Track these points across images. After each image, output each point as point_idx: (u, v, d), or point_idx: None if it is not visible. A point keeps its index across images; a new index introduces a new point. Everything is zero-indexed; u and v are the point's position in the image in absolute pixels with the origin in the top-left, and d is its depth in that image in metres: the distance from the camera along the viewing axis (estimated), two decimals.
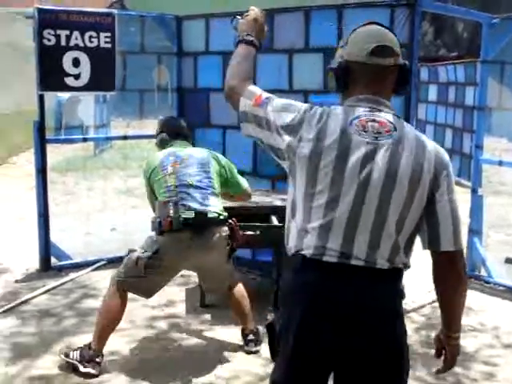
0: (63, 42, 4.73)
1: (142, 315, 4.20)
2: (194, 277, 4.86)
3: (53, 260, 5.12)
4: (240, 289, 3.75)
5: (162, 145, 3.88)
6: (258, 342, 3.70)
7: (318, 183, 1.81)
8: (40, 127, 4.88)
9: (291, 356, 1.83)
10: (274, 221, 4.12)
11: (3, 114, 10.44)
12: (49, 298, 4.48)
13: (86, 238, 5.83)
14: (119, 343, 3.75)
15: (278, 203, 4.31)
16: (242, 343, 3.76)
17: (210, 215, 3.43)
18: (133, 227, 6.10)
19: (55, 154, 5.10)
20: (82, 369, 3.34)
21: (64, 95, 10.72)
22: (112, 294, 3.49)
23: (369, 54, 1.84)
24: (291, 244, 1.87)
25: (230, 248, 3.56)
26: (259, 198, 4.44)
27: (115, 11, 4.99)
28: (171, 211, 3.39)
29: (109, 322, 3.45)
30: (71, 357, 3.40)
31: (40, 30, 4.66)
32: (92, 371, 3.34)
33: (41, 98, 4.86)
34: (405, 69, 1.91)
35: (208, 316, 4.20)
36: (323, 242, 1.78)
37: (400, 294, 1.86)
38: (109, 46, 4.91)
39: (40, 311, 4.23)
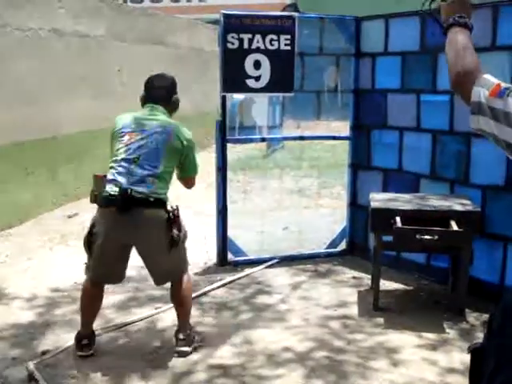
0: (246, 45, 4.95)
1: (314, 314, 4.29)
2: (366, 279, 4.90)
3: (229, 255, 5.38)
4: (184, 287, 3.65)
5: (142, 105, 3.72)
6: (187, 342, 3.64)
7: None
8: (222, 127, 5.15)
9: None
10: (454, 226, 4.02)
11: (184, 116, 11.08)
12: (226, 292, 4.73)
13: (259, 236, 6.05)
14: (293, 341, 3.88)
15: (458, 208, 4.20)
16: (417, 349, 3.72)
17: (136, 195, 3.34)
18: (305, 227, 6.27)
19: (230, 152, 5.32)
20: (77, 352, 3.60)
21: (239, 96, 11.21)
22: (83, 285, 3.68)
23: None
24: None
25: (170, 236, 3.44)
26: (437, 202, 4.36)
27: (296, 14, 5.13)
28: (102, 186, 3.40)
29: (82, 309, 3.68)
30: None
31: (225, 34, 4.91)
32: (80, 353, 3.59)
33: (223, 99, 5.14)
34: None
35: (381, 320, 4.20)
36: None
37: None
38: (288, 48, 5.06)
39: (217, 303, 4.48)
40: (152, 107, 3.61)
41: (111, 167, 3.47)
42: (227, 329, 4.05)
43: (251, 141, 6.55)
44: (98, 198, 3.42)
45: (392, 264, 5.00)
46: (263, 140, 8.42)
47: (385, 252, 4.54)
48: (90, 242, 3.52)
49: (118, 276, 3.69)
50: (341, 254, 5.62)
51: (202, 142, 11.84)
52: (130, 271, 3.79)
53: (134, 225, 3.39)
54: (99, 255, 3.51)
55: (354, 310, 4.38)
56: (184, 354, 3.61)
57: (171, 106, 3.70)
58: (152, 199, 3.39)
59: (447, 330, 4.00)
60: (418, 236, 3.98)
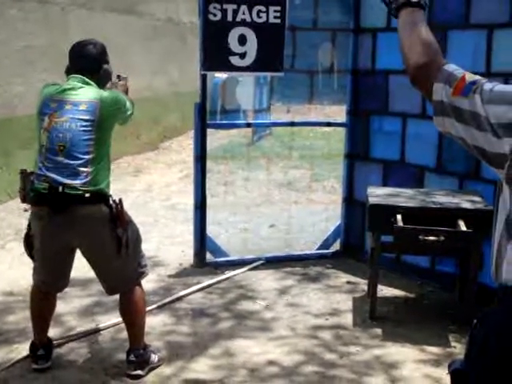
0: (229, 17, 4.92)
1: (303, 323, 4.29)
2: (362, 284, 4.91)
3: (208, 256, 5.37)
4: (136, 299, 3.55)
5: (67, 77, 3.55)
6: (139, 364, 3.54)
7: None
8: (201, 110, 5.12)
9: None
10: (462, 226, 4.03)
11: (157, 96, 11.05)
12: (203, 297, 4.72)
13: (242, 234, 6.05)
14: (278, 353, 3.87)
15: (467, 206, 4.22)
16: (418, 365, 3.73)
17: (69, 191, 3.23)
18: (294, 225, 6.28)
19: (210, 139, 5.30)
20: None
21: (221, 76, 11.20)
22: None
23: None
24: (507, 274, 1.62)
25: (115, 236, 3.34)
26: (444, 199, 4.37)
27: None
28: (31, 182, 3.30)
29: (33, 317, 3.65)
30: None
31: (206, 3, 4.87)
32: (35, 366, 3.56)
33: (203, 79, 5.11)
34: None
35: (379, 330, 4.20)
36: None
37: None
38: (278, 21, 5.03)
39: (194, 310, 4.47)
40: (77, 79, 3.42)
41: (38, 160, 3.35)
42: (204, 338, 4.03)
43: (235, 126, 6.57)
44: (26, 196, 3.35)
45: (392, 268, 5.01)
46: (248, 126, 8.40)
47: (384, 254, 4.55)
48: (29, 245, 3.49)
49: (64, 283, 3.65)
50: (334, 256, 5.62)
51: (178, 127, 11.83)
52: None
53: (70, 225, 3.31)
54: (40, 261, 3.49)
55: (347, 319, 4.38)
56: (136, 378, 3.52)
57: (101, 77, 3.50)
58: (88, 194, 3.27)
59: (453, 344, 4.01)
60: (421, 237, 3.98)
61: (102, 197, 3.34)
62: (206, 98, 5.18)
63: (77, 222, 3.30)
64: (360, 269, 5.16)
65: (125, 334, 3.98)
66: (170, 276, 5.11)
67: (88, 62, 3.46)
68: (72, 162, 3.26)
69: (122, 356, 3.68)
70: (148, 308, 4.33)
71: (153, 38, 10.93)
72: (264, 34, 5.00)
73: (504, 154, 1.59)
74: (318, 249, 5.71)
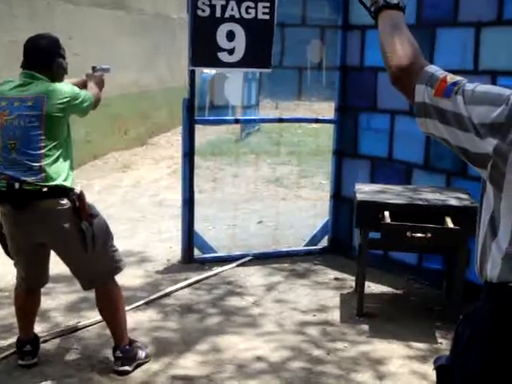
0: (218, 13, 4.90)
1: (291, 319, 4.30)
2: (350, 281, 4.92)
3: (195, 252, 5.36)
4: (109, 293, 3.54)
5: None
6: (125, 360, 3.53)
7: None
8: (190, 106, 5.11)
9: None
10: (449, 223, 4.05)
11: (145, 92, 11.02)
12: (191, 293, 4.71)
13: (230, 230, 6.05)
14: (266, 349, 3.88)
15: (454, 203, 4.23)
16: (405, 361, 3.75)
17: (25, 187, 3.21)
18: (282, 221, 6.28)
19: (198, 136, 5.29)
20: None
21: (209, 72, 11.18)
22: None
23: None
24: (491, 272, 1.65)
25: (80, 229, 3.29)
26: (432, 196, 4.39)
27: None
28: None
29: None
30: None
31: None
32: (22, 362, 3.56)
33: (192, 74, 5.10)
34: None
35: (366, 327, 4.21)
36: None
37: None
38: (267, 17, 5.02)
39: (182, 306, 4.46)
40: (26, 75, 3.37)
41: None
42: (192, 335, 4.03)
43: (223, 122, 6.56)
44: None
45: (379, 264, 5.02)
46: (237, 122, 8.41)
47: (371, 251, 4.56)
48: (3, 243, 3.49)
49: (43, 279, 3.65)
50: (322, 252, 5.63)
51: (166, 123, 11.81)
52: None
53: (32, 222, 3.29)
54: (15, 257, 3.51)
55: (335, 316, 4.38)
56: (123, 374, 3.51)
57: (54, 72, 3.41)
58: (46, 189, 3.23)
59: (439, 340, 4.03)
60: (408, 233, 3.99)
61: (61, 190, 3.29)
62: (194, 93, 5.18)
63: (38, 218, 3.29)
64: (348, 265, 5.17)
65: None
66: (157, 272, 5.10)
67: (39, 56, 3.39)
68: (24, 158, 3.25)
69: (109, 352, 3.68)
70: (135, 304, 4.35)
71: (141, 34, 10.89)
72: (253, 30, 4.99)
73: (487, 154, 1.60)
74: (306, 245, 5.72)
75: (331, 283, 4.97)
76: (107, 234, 3.51)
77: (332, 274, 5.16)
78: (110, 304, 3.56)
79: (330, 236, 5.68)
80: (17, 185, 3.22)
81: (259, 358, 3.76)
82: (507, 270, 1.60)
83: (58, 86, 3.38)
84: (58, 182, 3.28)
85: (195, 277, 4.97)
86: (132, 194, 7.59)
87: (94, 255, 3.37)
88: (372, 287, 4.80)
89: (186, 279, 4.91)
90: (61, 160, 3.33)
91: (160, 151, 10.75)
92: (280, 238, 5.94)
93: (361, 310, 4.36)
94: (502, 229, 1.62)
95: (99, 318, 4.12)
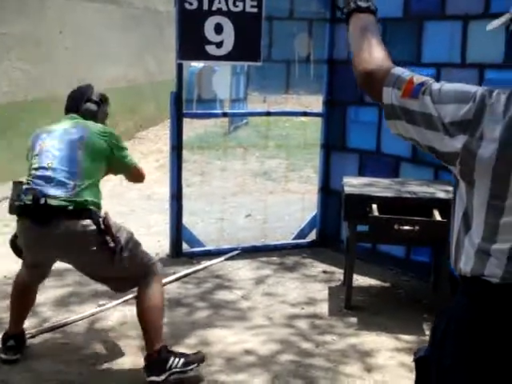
0: (206, 6, 4.88)
1: (280, 312, 4.31)
2: (338, 274, 4.93)
3: (184, 246, 5.35)
4: (149, 296, 3.39)
5: None
6: (157, 371, 3.28)
7: (511, 195, 1.58)
8: (177, 99, 5.10)
9: None
10: (436, 215, 4.06)
11: (134, 85, 10.98)
12: (180, 287, 4.71)
13: (219, 224, 6.04)
14: (255, 342, 3.88)
15: (442, 195, 4.24)
16: (393, 353, 3.76)
17: (52, 203, 3.19)
18: (270, 214, 6.28)
19: (186, 129, 5.28)
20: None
21: (197, 65, 11.15)
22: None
23: None
24: (465, 266, 1.67)
25: (108, 249, 3.23)
26: (419, 189, 4.40)
27: None
28: (16, 194, 3.31)
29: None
30: None
31: None
32: (4, 356, 3.54)
33: (179, 68, 5.08)
34: None
35: (354, 319, 4.23)
36: None
37: None
38: (255, 10, 5.01)
39: (170, 300, 4.44)
40: (65, 117, 3.64)
41: (28, 177, 3.37)
42: (181, 328, 4.03)
43: (211, 116, 6.53)
44: (11, 207, 3.32)
45: (367, 257, 5.03)
46: (225, 115, 8.41)
47: (359, 244, 4.57)
48: (16, 248, 3.49)
49: (46, 277, 3.72)
50: (310, 246, 5.64)
51: (155, 116, 11.77)
52: None
53: (54, 240, 3.25)
54: (29, 264, 3.50)
55: (323, 309, 4.39)
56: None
57: (85, 114, 3.62)
58: (71, 207, 3.21)
59: (427, 332, 4.03)
60: (396, 226, 4.00)
61: (86, 212, 3.26)
62: (182, 87, 5.17)
63: (61, 237, 3.23)
64: (336, 258, 5.18)
65: (100, 325, 3.98)
66: None
67: (69, 102, 3.69)
68: (58, 175, 3.29)
69: (99, 347, 3.67)
70: (123, 298, 4.33)
71: (130, 28, 10.84)
72: (241, 23, 4.97)
73: (456, 152, 1.62)
74: (294, 238, 5.72)
75: (319, 276, 4.98)
76: (134, 245, 3.46)
77: (320, 267, 5.17)
78: (145, 305, 3.39)
79: (319, 229, 5.69)
80: (42, 200, 3.20)
81: (248, 352, 3.76)
82: (480, 264, 1.62)
83: (100, 124, 3.60)
84: (86, 203, 3.28)
85: (184, 271, 4.96)
86: (120, 188, 7.55)
87: (120, 265, 3.32)
88: (360, 280, 4.82)
89: (174, 273, 4.90)
90: (93, 184, 3.38)
91: (148, 145, 10.72)
92: (268, 231, 5.94)
93: (349, 303, 4.37)
94: (474, 224, 1.65)
95: (88, 312, 4.12)
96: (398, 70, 1.72)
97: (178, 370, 3.32)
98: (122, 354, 3.69)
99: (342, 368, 3.61)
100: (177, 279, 4.82)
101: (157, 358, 3.31)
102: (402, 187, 4.48)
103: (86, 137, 3.43)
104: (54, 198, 3.21)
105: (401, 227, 3.99)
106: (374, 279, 4.90)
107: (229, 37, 4.96)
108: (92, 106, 3.66)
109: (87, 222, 3.24)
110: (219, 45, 4.97)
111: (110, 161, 3.51)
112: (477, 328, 1.64)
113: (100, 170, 3.48)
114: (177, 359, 3.33)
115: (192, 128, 9.94)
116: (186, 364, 3.34)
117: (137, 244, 3.51)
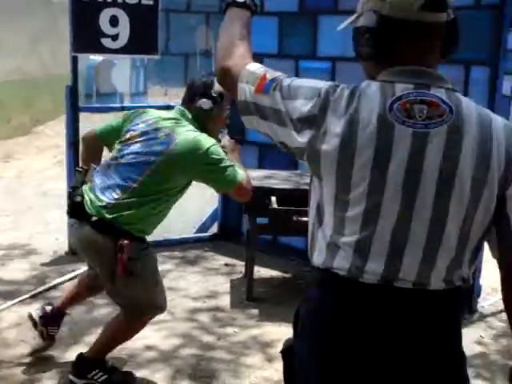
0: None
1: (181, 306, 4.30)
2: (240, 266, 4.96)
3: None
4: (126, 325, 3.26)
5: None
6: (80, 373, 3.26)
7: (353, 188, 1.58)
8: (73, 93, 4.98)
9: None
10: None
11: (29, 78, 10.66)
12: None
13: None
14: (156, 337, 3.86)
15: None
16: None
17: (89, 210, 3.04)
18: (172, 209, 6.23)
19: (84, 124, 5.17)
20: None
21: (96, 58, 10.94)
22: None
23: (420, 8, 1.57)
24: (318, 258, 1.68)
25: (123, 266, 2.99)
26: None
27: None
28: (77, 182, 3.21)
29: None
30: None
31: None
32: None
33: (74, 61, 4.96)
34: (453, 24, 1.63)
35: (255, 311, 4.27)
36: (361, 262, 1.59)
37: (458, 318, 1.71)
38: (151, 2, 4.97)
39: None
40: (176, 110, 3.29)
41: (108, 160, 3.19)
42: (81, 325, 3.97)
43: (109, 110, 6.38)
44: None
45: (269, 249, 5.09)
46: (123, 109, 8.24)
47: (261, 236, 4.61)
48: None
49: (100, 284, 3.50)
50: (212, 239, 5.66)
51: (51, 111, 11.48)
52: None
53: (83, 245, 3.17)
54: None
55: (225, 301, 4.42)
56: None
57: (194, 109, 3.23)
58: (96, 218, 3.00)
59: None
60: (295, 218, 4.07)
61: (111, 229, 3.01)
62: (77, 80, 5.05)
63: (84, 242, 3.13)
64: (237, 251, 5.21)
65: None
66: (43, 264, 4.96)
67: (186, 92, 3.33)
68: (112, 178, 3.05)
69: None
70: (20, 298, 4.21)
71: (23, 17, 10.50)
72: (137, 15, 4.93)
73: (303, 148, 1.63)
74: (196, 232, 5.72)
75: (221, 269, 5.00)
76: (152, 275, 3.28)
77: (222, 260, 5.20)
78: (118, 327, 3.26)
79: (220, 222, 5.71)
80: (77, 198, 3.07)
81: (149, 347, 3.74)
82: (330, 256, 1.64)
83: (201, 142, 3.08)
84: (114, 220, 3.00)
85: (83, 268, 4.84)
86: (15, 185, 7.35)
87: (128, 284, 3.06)
88: (262, 272, 4.87)
89: (73, 271, 4.80)
90: (143, 213, 3.06)
91: (45, 140, 10.44)
92: (170, 226, 5.89)
93: (250, 295, 4.42)
94: (326, 217, 1.66)
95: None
96: (253, 66, 1.72)
97: (96, 383, 3.25)
98: (18, 357, 3.60)
99: (244, 359, 3.65)
100: (75, 277, 4.69)
101: (87, 361, 3.26)
102: (300, 179, 4.55)
103: (172, 148, 3.02)
104: (91, 206, 3.03)
105: (299, 218, 4.05)
106: (276, 271, 4.97)
107: (124, 29, 4.91)
108: (205, 104, 3.24)
109: (107, 239, 3.00)
110: (115, 37, 4.91)
111: (199, 180, 3.31)
112: (327, 320, 1.66)
113: (166, 193, 3.13)
114: (100, 373, 3.24)
115: (91, 123, 9.73)
116: (107, 382, 3.25)
117: (157, 278, 3.33)
